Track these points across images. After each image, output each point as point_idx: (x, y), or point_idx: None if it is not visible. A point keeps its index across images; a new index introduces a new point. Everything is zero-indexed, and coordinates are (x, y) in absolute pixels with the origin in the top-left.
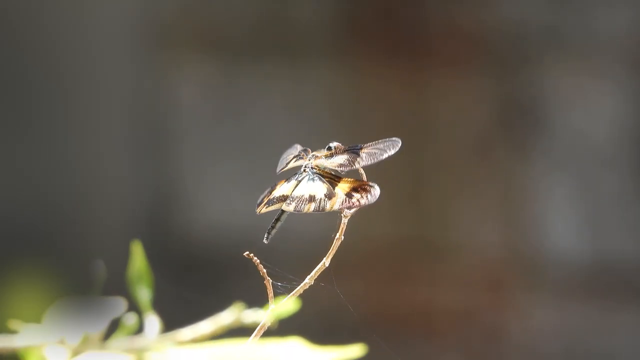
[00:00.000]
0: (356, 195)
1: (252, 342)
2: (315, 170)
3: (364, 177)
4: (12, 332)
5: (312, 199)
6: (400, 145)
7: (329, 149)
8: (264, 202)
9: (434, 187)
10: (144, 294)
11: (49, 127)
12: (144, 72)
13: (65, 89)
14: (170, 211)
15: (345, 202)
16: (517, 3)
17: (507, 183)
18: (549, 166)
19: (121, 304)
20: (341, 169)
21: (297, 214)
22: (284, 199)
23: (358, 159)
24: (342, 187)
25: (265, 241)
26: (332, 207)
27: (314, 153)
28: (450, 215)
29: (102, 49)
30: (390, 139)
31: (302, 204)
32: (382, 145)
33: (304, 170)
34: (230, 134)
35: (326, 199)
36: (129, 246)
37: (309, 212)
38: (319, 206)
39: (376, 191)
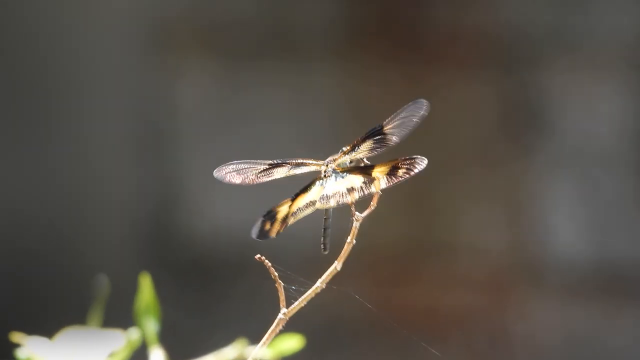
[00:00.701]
0: (400, 171)
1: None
2: (338, 171)
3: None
4: (16, 345)
5: (352, 190)
6: (425, 106)
7: (342, 151)
8: (278, 222)
9: (438, 190)
10: (150, 327)
11: (51, 130)
12: (146, 76)
13: (67, 93)
14: (172, 215)
15: (391, 180)
16: (520, 5)
17: (511, 184)
18: (553, 167)
19: (120, 336)
20: (375, 152)
21: (309, 218)
22: (312, 204)
23: (388, 136)
24: (380, 170)
25: (324, 252)
26: (378, 189)
27: (331, 157)
28: (454, 217)
29: (104, 53)
30: (412, 102)
31: (342, 197)
32: (405, 113)
33: (325, 175)
34: (233, 137)
35: (367, 184)
36: (131, 251)
37: (354, 201)
38: (364, 192)
39: (423, 160)
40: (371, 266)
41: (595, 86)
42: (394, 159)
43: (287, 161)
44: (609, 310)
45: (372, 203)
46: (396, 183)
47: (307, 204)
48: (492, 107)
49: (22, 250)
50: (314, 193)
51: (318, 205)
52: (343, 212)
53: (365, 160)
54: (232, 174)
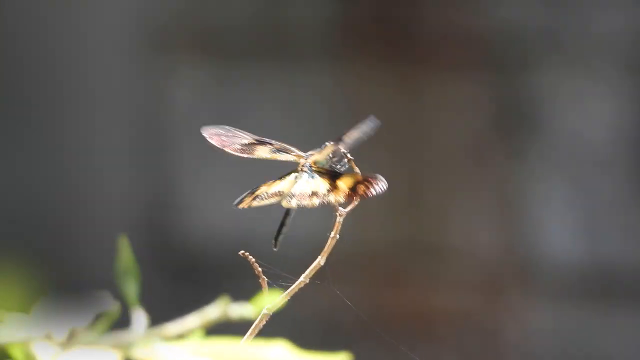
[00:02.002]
0: (361, 187)
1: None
2: (313, 169)
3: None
4: None
5: (314, 194)
6: (375, 122)
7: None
8: (250, 198)
9: (431, 190)
10: (131, 288)
11: (45, 130)
12: (139, 76)
13: (60, 93)
14: (166, 215)
15: (350, 195)
16: (514, 6)
17: (504, 186)
18: (546, 169)
19: (107, 297)
20: (335, 160)
21: (297, 215)
22: (279, 194)
23: (341, 143)
24: (345, 182)
25: (274, 248)
26: (337, 201)
27: (310, 152)
28: (447, 218)
29: (97, 54)
30: (367, 119)
31: (303, 199)
32: (359, 127)
33: (301, 170)
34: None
35: (330, 193)
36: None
37: (313, 206)
38: (323, 200)
39: (383, 182)
40: (361, 268)
41: (588, 88)
42: (357, 175)
43: (272, 142)
44: (601, 313)
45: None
46: (352, 201)
47: (274, 193)
48: (484, 108)
49: (14, 249)
50: (285, 185)
51: (283, 202)
52: (327, 207)
53: (341, 164)
54: (217, 136)
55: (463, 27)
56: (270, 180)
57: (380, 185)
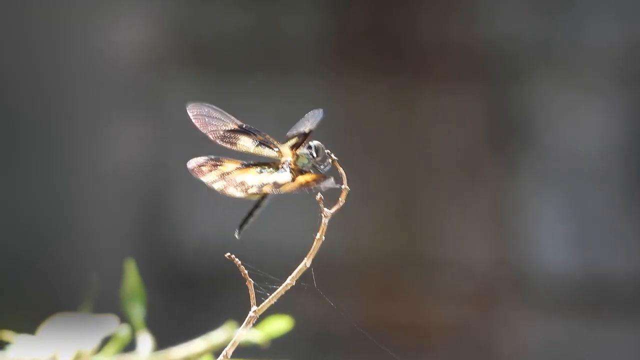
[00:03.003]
0: (311, 184)
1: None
2: (291, 167)
3: (344, 179)
4: (5, 343)
5: (275, 184)
6: (321, 114)
7: (309, 147)
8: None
9: (423, 202)
10: (137, 312)
11: (42, 144)
12: (133, 90)
13: (57, 108)
14: (161, 228)
15: (299, 187)
16: (507, 19)
17: (497, 198)
18: (539, 181)
19: (113, 321)
20: (318, 160)
21: (282, 221)
22: (242, 184)
23: (289, 132)
24: (305, 177)
25: (237, 237)
26: (284, 190)
27: (289, 143)
28: (440, 230)
29: (91, 68)
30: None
31: (262, 186)
32: (306, 117)
33: (281, 167)
34: (220, 150)
35: (283, 183)
36: (121, 264)
37: (265, 191)
38: (275, 186)
39: (328, 182)
40: (355, 279)
41: (581, 100)
42: (316, 175)
43: (257, 131)
44: (595, 325)
45: (340, 199)
46: (299, 190)
47: (240, 182)
48: (477, 120)
49: (11, 260)
50: (252, 177)
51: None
52: (315, 209)
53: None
54: (202, 117)
55: (456, 39)
56: (241, 162)
57: (326, 182)
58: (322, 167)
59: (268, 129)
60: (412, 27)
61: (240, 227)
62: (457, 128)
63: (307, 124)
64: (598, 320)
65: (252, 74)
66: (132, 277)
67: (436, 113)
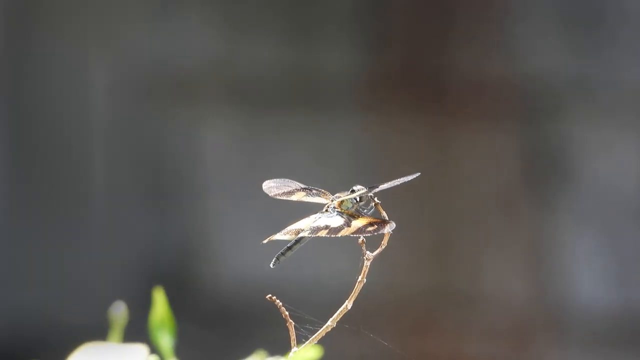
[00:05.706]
0: (370, 228)
1: None
2: (338, 210)
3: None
4: None
5: (327, 227)
6: (415, 176)
7: (352, 191)
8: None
9: (460, 238)
10: (165, 341)
11: (73, 177)
12: (169, 126)
13: (88, 143)
14: (196, 264)
15: (358, 231)
16: (544, 55)
17: (533, 234)
18: (575, 218)
19: (143, 350)
20: (362, 204)
21: (324, 261)
22: (298, 232)
23: (372, 189)
24: (360, 221)
25: (272, 265)
26: (343, 234)
27: (337, 194)
28: (476, 266)
29: (127, 103)
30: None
31: (316, 230)
32: (399, 179)
33: (326, 210)
34: (256, 186)
35: (340, 228)
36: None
37: (321, 235)
38: (332, 232)
39: (390, 225)
40: (393, 315)
41: (618, 138)
42: (371, 217)
43: (310, 187)
44: None
45: (382, 242)
46: (359, 234)
47: (294, 230)
48: (514, 157)
49: (39, 288)
50: (307, 222)
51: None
52: (356, 252)
53: (367, 208)
54: (269, 188)
55: (493, 77)
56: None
57: (387, 227)
58: (365, 210)
59: (304, 165)
60: (449, 65)
61: (278, 258)
62: (493, 164)
63: (396, 181)
64: (635, 356)
65: (289, 110)
66: (160, 305)
67: (473, 150)
